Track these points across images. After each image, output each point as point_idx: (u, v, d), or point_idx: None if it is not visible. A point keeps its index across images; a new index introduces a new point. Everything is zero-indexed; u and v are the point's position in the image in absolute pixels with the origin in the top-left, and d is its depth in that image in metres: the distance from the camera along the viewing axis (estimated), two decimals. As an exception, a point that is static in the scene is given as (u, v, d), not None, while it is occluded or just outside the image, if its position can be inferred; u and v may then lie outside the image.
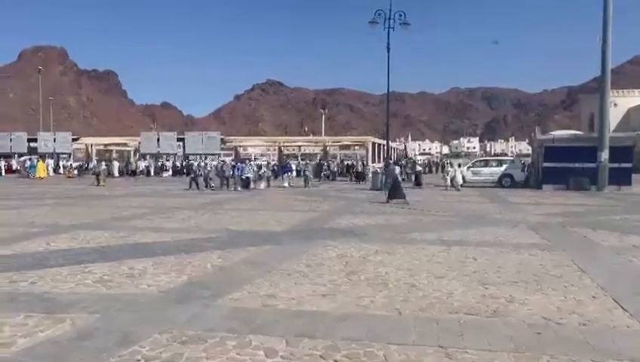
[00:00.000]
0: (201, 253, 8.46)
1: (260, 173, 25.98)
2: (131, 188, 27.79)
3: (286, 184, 27.36)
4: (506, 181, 27.51)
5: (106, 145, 59.84)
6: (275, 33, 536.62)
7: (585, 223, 12.51)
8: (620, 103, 71.70)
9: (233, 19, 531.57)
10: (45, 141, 50.73)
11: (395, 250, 8.78)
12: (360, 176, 32.39)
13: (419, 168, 30.28)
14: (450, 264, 7.70)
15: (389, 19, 24.51)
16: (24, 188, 27.49)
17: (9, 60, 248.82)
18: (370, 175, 29.54)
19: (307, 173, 29.24)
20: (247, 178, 24.50)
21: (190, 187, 24.96)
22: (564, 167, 24.69)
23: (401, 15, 24.65)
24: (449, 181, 25.35)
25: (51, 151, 49.97)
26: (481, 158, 39.89)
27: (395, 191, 18.26)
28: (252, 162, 28.23)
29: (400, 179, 19.03)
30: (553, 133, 33.80)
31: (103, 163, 36.65)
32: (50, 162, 46.34)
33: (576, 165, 24.50)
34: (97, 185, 28.46)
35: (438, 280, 6.66)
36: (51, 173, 43.41)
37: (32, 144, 50.65)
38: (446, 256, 8.27)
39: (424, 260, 7.97)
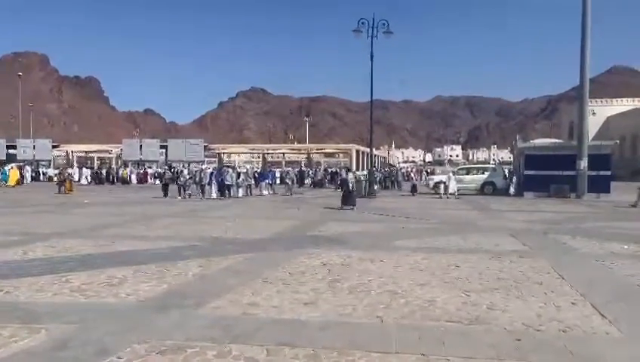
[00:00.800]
0: (182, 261, 8.36)
1: (239, 180, 25.60)
2: (110, 195, 27.44)
3: (265, 192, 26.97)
4: (488, 188, 27.81)
5: (87, 152, 59.11)
6: (259, 41, 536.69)
7: (565, 230, 12.67)
8: (599, 112, 73.27)
9: (216, 27, 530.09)
10: (24, 148, 49.96)
11: (378, 257, 8.79)
12: (343, 184, 32.43)
13: (414, 177, 30.38)
14: (433, 271, 7.72)
15: (373, 27, 24.71)
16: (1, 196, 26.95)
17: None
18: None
19: (288, 180, 29.08)
20: (227, 186, 24.18)
21: (165, 195, 24.48)
22: (544, 175, 25.07)
23: (384, 24, 24.86)
24: (442, 189, 25.51)
25: (31, 158, 49.20)
26: (464, 166, 40.26)
27: (347, 198, 18.71)
28: (231, 169, 27.83)
29: (352, 187, 19.38)
30: (534, 141, 34.36)
31: (69, 169, 36.02)
32: (29, 169, 45.58)
33: (557, 173, 24.89)
34: (59, 192, 27.36)
35: (421, 288, 6.67)
36: (29, 180, 42.70)
37: (11, 151, 49.82)
38: (428, 264, 8.29)
39: (407, 267, 7.98)
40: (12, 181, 36.26)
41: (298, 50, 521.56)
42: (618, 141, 38.43)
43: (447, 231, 12.47)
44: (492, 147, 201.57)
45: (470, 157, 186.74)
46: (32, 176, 44.89)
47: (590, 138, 30.31)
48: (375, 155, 51.50)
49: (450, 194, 24.97)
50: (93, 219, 15.19)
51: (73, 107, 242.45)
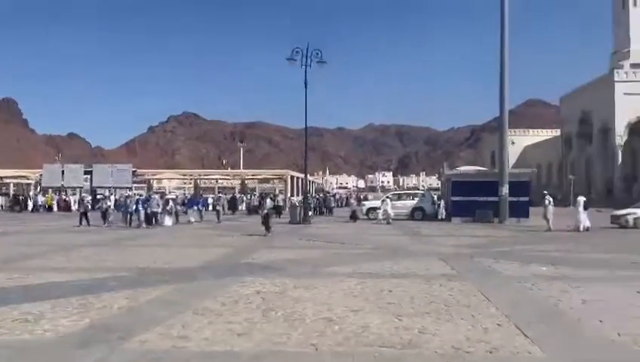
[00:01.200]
0: (107, 294, 7.91)
1: (168, 207, 24.66)
2: (26, 224, 25.66)
3: (192, 219, 26.15)
4: (417, 214, 28.69)
5: (2, 177, 55.07)
6: (192, 64, 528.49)
7: (489, 254, 13.28)
8: (518, 141, 78.48)
9: (146, 48, 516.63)
10: None
11: (313, 284, 8.76)
12: (278, 210, 32.27)
13: (353, 203, 30.32)
14: (366, 297, 7.79)
15: (307, 56, 25.20)
16: None
17: None
18: (288, 209, 29.57)
19: (218, 207, 28.32)
20: (154, 213, 23.21)
21: (80, 223, 23.05)
22: (470, 201, 26.27)
23: (317, 53, 25.43)
24: (380, 215, 25.93)
25: (-64, 183, 45.19)
26: (395, 192, 41.41)
27: (266, 223, 19.04)
28: (157, 196, 26.75)
29: (270, 212, 19.92)
30: (459, 168, 36.08)
31: None
32: None
33: (481, 199, 26.16)
34: None
35: (355, 314, 6.70)
36: None
37: None
38: (362, 289, 8.37)
39: (341, 294, 8.01)
40: None
41: (232, 76, 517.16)
42: (535, 169, 41.20)
43: (380, 257, 12.69)
44: (421, 174, 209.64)
45: (401, 184, 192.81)
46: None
47: (510, 166, 32.19)
48: (310, 181, 51.86)
49: (383, 219, 25.48)
50: (6, 250, 14.08)
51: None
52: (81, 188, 45.97)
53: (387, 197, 29.16)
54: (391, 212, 25.85)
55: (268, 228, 18.93)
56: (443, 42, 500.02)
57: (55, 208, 40.15)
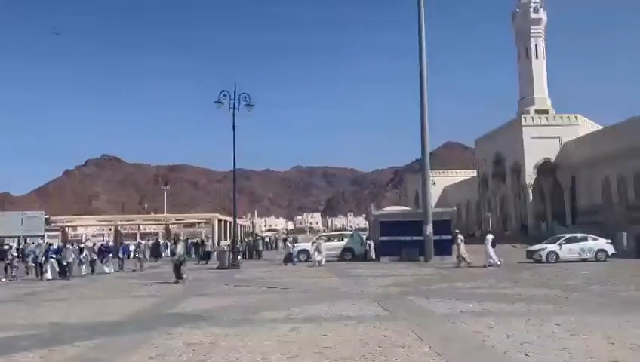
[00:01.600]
0: (17, 354, 7.19)
1: (82, 256, 22.97)
2: None
3: (106, 269, 24.20)
4: (347, 255, 28.91)
5: None
6: (111, 106, 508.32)
7: (419, 292, 13.58)
8: (438, 182, 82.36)
9: (61, 87, 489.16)
10: None
11: (246, 332, 8.48)
12: (206, 256, 31.28)
13: (289, 246, 29.65)
14: (301, 342, 7.64)
15: (234, 99, 25.24)
16: None
17: None
18: (217, 254, 28.76)
19: (139, 254, 26.74)
20: (67, 263, 21.50)
21: None
22: (397, 240, 26.93)
23: (245, 97, 25.56)
24: (316, 257, 25.61)
25: None
26: (324, 234, 41.60)
27: (176, 271, 18.15)
28: (70, 245, 24.86)
29: (182, 259, 18.73)
30: (386, 208, 37.08)
31: None
32: None
33: (407, 238, 26.91)
34: None
35: (290, 361, 6.53)
36: None
37: None
38: (297, 335, 8.20)
39: (275, 340, 7.80)
40: None
41: (155, 118, 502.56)
42: (456, 208, 43.24)
43: (313, 300, 12.56)
44: (349, 214, 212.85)
45: (329, 225, 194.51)
46: None
47: (432, 205, 33.50)
48: (238, 224, 50.97)
49: (322, 261, 25.27)
50: None
51: None
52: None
53: (320, 238, 29.16)
54: (324, 253, 25.84)
55: (179, 277, 17.86)
56: (364, 89, 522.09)
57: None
